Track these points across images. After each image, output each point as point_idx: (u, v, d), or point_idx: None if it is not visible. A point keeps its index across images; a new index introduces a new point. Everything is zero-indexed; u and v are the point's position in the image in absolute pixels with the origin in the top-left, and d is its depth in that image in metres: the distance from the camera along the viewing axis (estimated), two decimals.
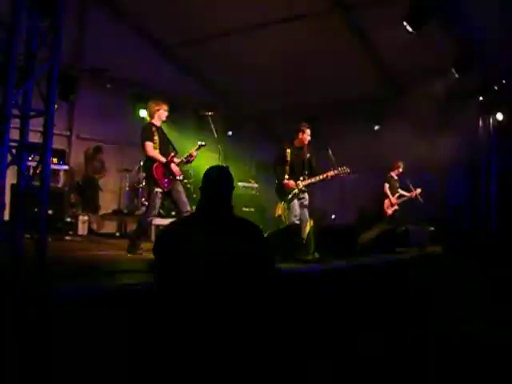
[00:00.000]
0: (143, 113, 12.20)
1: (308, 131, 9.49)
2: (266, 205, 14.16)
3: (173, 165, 7.89)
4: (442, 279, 10.31)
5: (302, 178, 9.29)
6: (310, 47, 11.89)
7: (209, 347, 3.28)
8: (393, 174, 12.53)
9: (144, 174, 8.14)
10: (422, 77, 11.63)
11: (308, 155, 9.47)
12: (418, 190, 12.39)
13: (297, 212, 9.24)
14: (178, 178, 8.04)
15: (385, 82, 13.12)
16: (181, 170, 8.16)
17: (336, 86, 12.83)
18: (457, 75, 10.59)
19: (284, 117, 14.38)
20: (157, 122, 8.06)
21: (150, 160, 7.84)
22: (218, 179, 3.63)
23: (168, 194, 7.95)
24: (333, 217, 12.32)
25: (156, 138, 7.91)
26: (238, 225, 3.53)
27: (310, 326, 6.31)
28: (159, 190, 7.79)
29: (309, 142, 9.55)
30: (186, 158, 8.11)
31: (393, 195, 12.41)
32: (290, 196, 9.28)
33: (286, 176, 9.29)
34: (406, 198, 12.50)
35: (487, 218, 12.74)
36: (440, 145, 13.23)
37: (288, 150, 9.36)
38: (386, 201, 12.39)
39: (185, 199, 7.98)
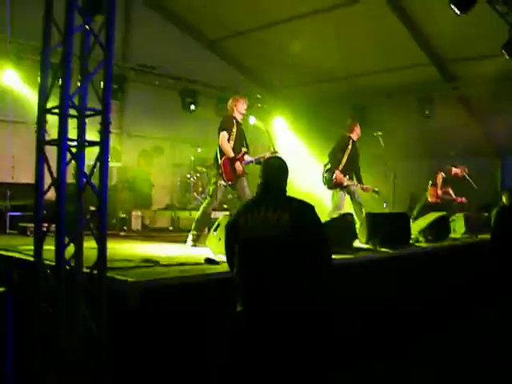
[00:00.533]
0: None
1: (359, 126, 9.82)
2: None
3: (238, 163, 7.93)
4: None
5: (348, 177, 9.55)
6: (358, 34, 11.79)
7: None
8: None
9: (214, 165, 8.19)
10: (473, 60, 11.40)
11: (357, 153, 9.79)
12: (464, 199, 12.17)
13: (341, 205, 9.57)
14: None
15: (435, 66, 12.88)
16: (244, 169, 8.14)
17: (386, 72, 12.73)
18: (507, 57, 10.28)
19: (334, 106, 14.31)
20: (237, 115, 8.19)
21: (222, 151, 7.95)
22: (276, 167, 4.04)
23: (232, 188, 8.05)
24: (384, 205, 12.19)
25: (234, 130, 8.02)
26: (292, 202, 3.87)
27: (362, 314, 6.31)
28: (222, 182, 7.89)
29: None
30: (256, 160, 8.17)
31: (441, 188, 12.14)
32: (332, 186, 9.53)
33: (341, 167, 9.48)
34: (449, 198, 12.23)
35: None
36: (493, 129, 12.99)
37: (351, 141, 9.65)
38: (432, 188, 12.13)
39: (248, 193, 8.00)
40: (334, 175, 9.42)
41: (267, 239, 3.66)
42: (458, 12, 8.64)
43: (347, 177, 9.54)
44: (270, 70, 14.46)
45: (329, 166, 9.62)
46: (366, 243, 8.02)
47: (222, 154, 7.92)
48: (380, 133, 10.13)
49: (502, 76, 11.70)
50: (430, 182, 12.11)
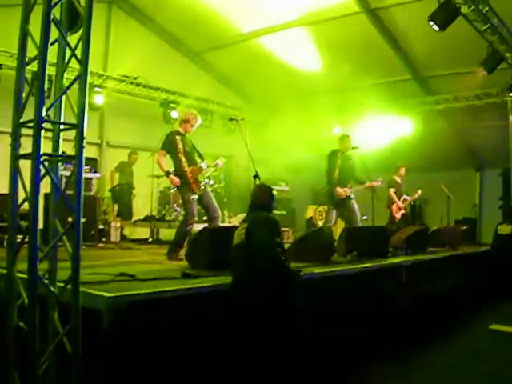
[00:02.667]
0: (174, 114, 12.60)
1: (350, 138, 10.10)
2: (297, 207, 14.19)
3: (202, 165, 8.04)
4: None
5: (349, 186, 9.90)
6: (337, 49, 11.87)
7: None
8: (396, 178, 12.45)
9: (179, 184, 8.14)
10: (453, 75, 11.54)
11: (351, 161, 10.06)
12: (419, 192, 12.44)
13: (332, 220, 9.94)
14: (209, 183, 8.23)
15: (416, 81, 12.99)
16: (211, 176, 8.28)
17: (369, 87, 12.83)
18: (486, 73, 10.40)
19: (317, 119, 14.38)
20: (182, 130, 8.15)
21: (182, 167, 7.90)
22: (257, 193, 5.46)
23: (199, 200, 8.00)
24: (364, 217, 12.24)
25: (180, 146, 7.94)
26: (255, 216, 5.19)
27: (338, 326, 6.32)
28: (195, 196, 7.86)
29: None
30: (213, 165, 8.42)
31: (398, 199, 12.32)
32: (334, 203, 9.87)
33: (337, 181, 9.80)
34: (409, 201, 12.52)
35: None
36: (472, 142, 13.10)
37: (339, 155, 9.90)
38: (394, 205, 12.31)
39: (215, 204, 8.09)
40: (336, 193, 9.71)
41: (237, 245, 5.03)
42: (437, 28, 8.75)
43: (348, 187, 9.88)
44: (253, 82, 14.52)
45: (328, 186, 9.95)
46: (344, 257, 8.04)
47: (183, 168, 7.89)
48: (357, 147, 10.22)
49: (480, 91, 11.88)
50: (388, 204, 12.30)
